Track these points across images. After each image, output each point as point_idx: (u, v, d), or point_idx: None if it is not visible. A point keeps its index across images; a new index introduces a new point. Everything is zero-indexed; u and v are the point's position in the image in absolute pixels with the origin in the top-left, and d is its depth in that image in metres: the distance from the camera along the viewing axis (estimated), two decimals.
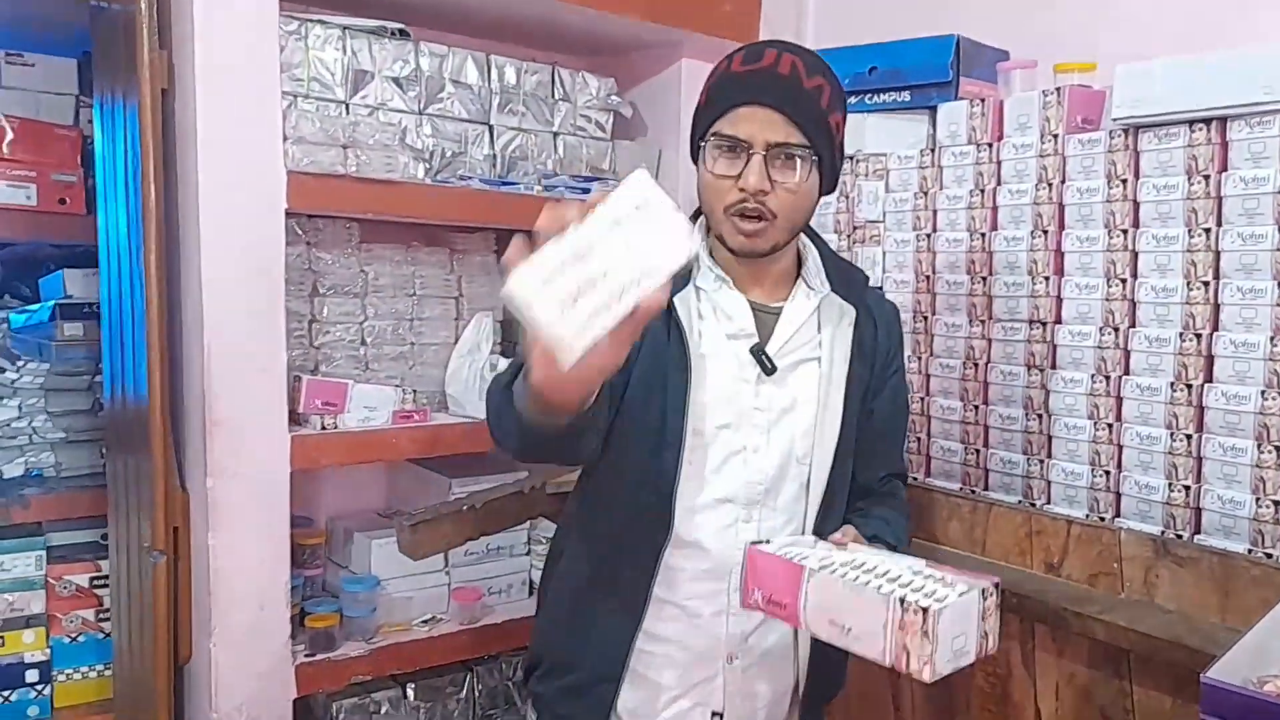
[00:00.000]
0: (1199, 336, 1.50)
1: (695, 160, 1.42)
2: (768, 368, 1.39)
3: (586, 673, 1.44)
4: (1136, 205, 1.57)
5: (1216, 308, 1.49)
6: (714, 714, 1.44)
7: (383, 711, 2.08)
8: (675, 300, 1.37)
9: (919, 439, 1.88)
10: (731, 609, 1.39)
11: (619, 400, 1.37)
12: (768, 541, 1.32)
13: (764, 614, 1.27)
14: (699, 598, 1.41)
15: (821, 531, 1.40)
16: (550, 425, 1.11)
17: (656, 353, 1.37)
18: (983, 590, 1.14)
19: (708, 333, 1.41)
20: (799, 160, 1.33)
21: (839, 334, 1.44)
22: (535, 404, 1.07)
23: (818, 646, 1.44)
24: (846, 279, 1.49)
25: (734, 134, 1.33)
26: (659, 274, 0.93)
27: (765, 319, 1.43)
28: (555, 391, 1.03)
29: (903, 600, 1.10)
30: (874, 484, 1.53)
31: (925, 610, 1.08)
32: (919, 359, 1.88)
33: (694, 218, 1.47)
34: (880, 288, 1.95)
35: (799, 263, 1.48)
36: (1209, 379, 1.49)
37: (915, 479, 1.88)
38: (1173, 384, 1.52)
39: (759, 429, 1.40)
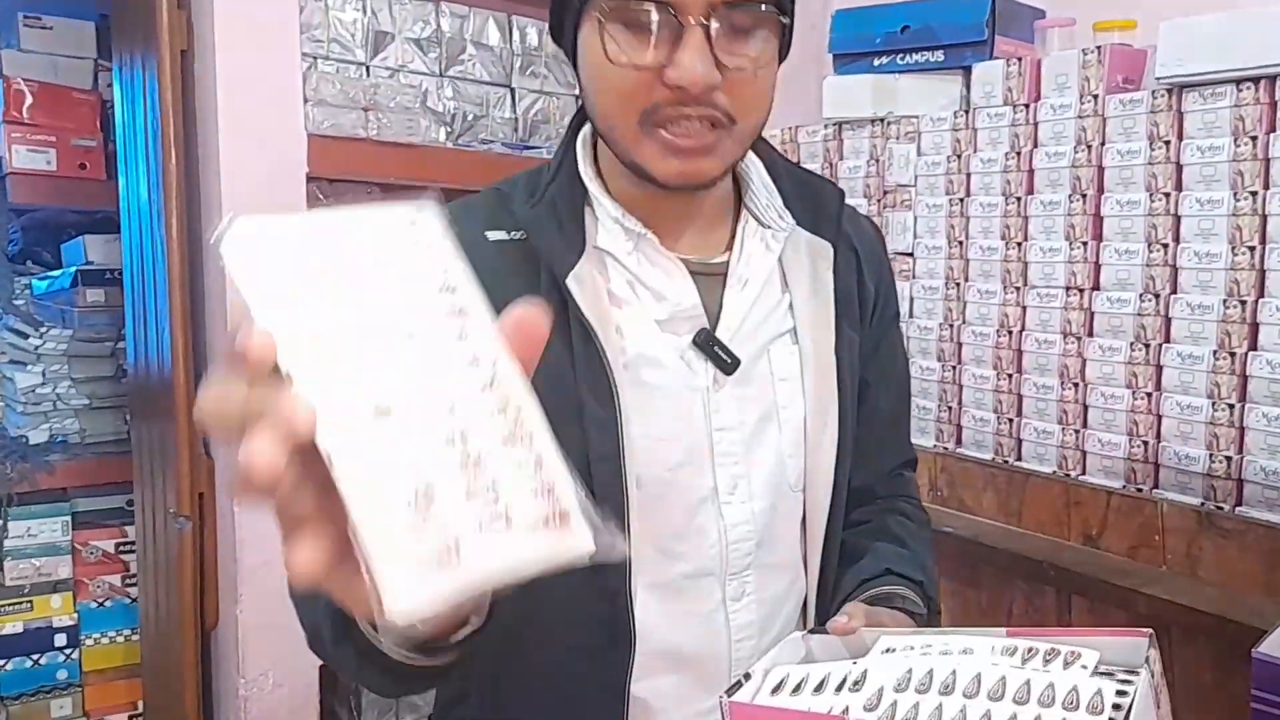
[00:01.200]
0: (1243, 303, 1.45)
1: (559, 38, 0.92)
2: (725, 363, 0.89)
3: None
4: (1179, 168, 1.53)
5: (1262, 273, 1.44)
6: None
7: None
8: (570, 282, 0.86)
9: (950, 408, 1.85)
10: None
11: None
12: (746, 678, 0.75)
13: None
14: None
15: (827, 582, 0.98)
16: (427, 669, 0.64)
17: (558, 372, 0.83)
18: (1147, 659, 0.71)
19: (630, 324, 0.88)
20: (757, 24, 0.82)
21: (817, 288, 0.95)
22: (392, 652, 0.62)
23: None
24: (814, 200, 0.98)
25: None
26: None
27: (706, 284, 0.91)
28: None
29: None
30: (876, 484, 1.05)
31: None
32: (951, 326, 1.85)
33: (574, 130, 0.98)
34: (910, 253, 1.91)
35: (737, 187, 0.97)
36: (1253, 347, 1.45)
37: (947, 448, 1.85)
38: (1215, 352, 1.48)
39: (730, 458, 0.91)
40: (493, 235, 0.90)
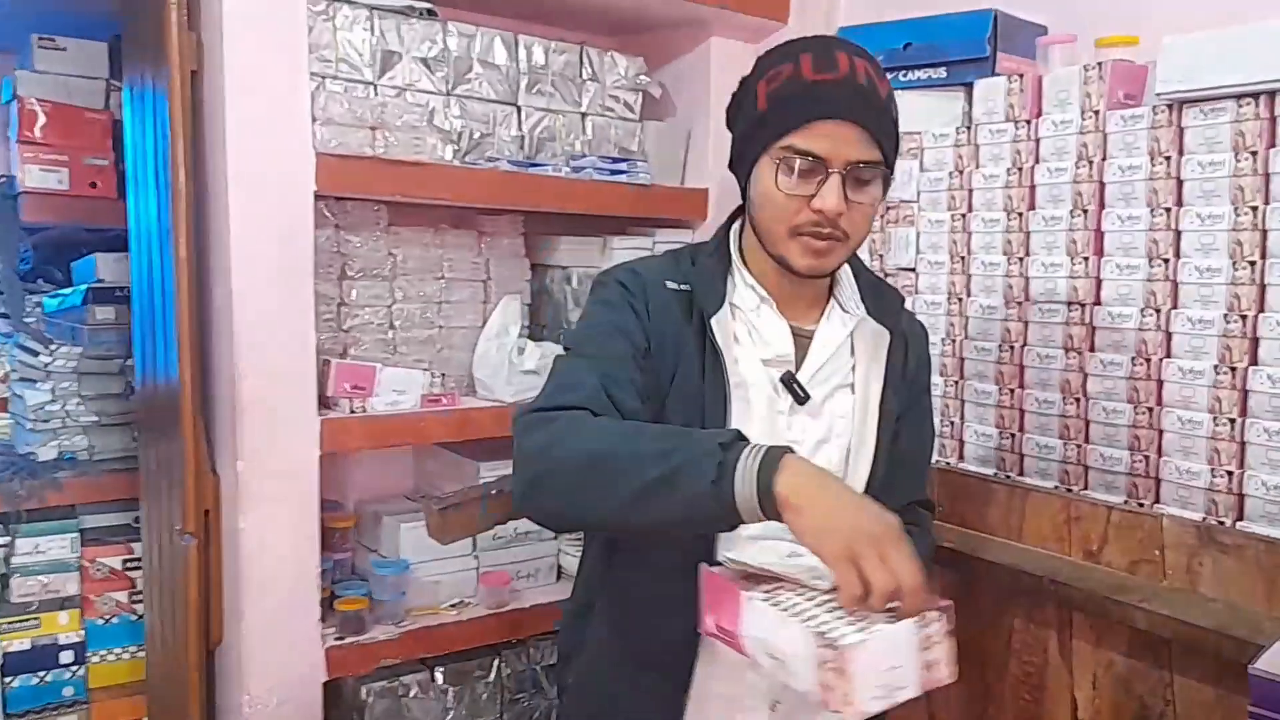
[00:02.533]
0: (1244, 318, 1.46)
1: (736, 168, 1.32)
2: (800, 396, 1.30)
3: None
4: (1180, 183, 1.53)
5: (1262, 288, 1.45)
6: None
7: (412, 694, 2.08)
8: (712, 321, 1.29)
9: (952, 423, 1.85)
10: None
11: (651, 421, 1.26)
12: (728, 563, 1.17)
13: (720, 642, 1.14)
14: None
15: None
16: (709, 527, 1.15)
17: (691, 377, 1.28)
18: (919, 620, 1.02)
19: (744, 357, 1.31)
20: (874, 178, 1.25)
21: (874, 360, 1.36)
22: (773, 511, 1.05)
23: None
24: (881, 300, 1.40)
25: (811, 150, 1.21)
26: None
27: (800, 342, 1.34)
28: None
29: (822, 634, 0.99)
30: (898, 512, 1.36)
31: (837, 647, 0.97)
32: (953, 342, 1.85)
33: (729, 223, 1.41)
34: (912, 268, 1.92)
35: (832, 281, 1.40)
36: (1254, 362, 1.45)
37: (949, 464, 1.85)
38: (1216, 367, 1.48)
39: None
40: (669, 284, 1.33)
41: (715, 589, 1.13)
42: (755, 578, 1.14)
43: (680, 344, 1.30)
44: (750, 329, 1.33)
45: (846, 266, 1.39)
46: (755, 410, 1.28)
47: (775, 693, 1.27)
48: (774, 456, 1.06)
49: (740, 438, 1.11)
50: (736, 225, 1.39)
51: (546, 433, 1.18)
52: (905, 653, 1.02)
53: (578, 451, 1.14)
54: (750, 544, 1.22)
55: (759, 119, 1.26)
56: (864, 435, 1.33)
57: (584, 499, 1.14)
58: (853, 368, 1.36)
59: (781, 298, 1.34)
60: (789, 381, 1.30)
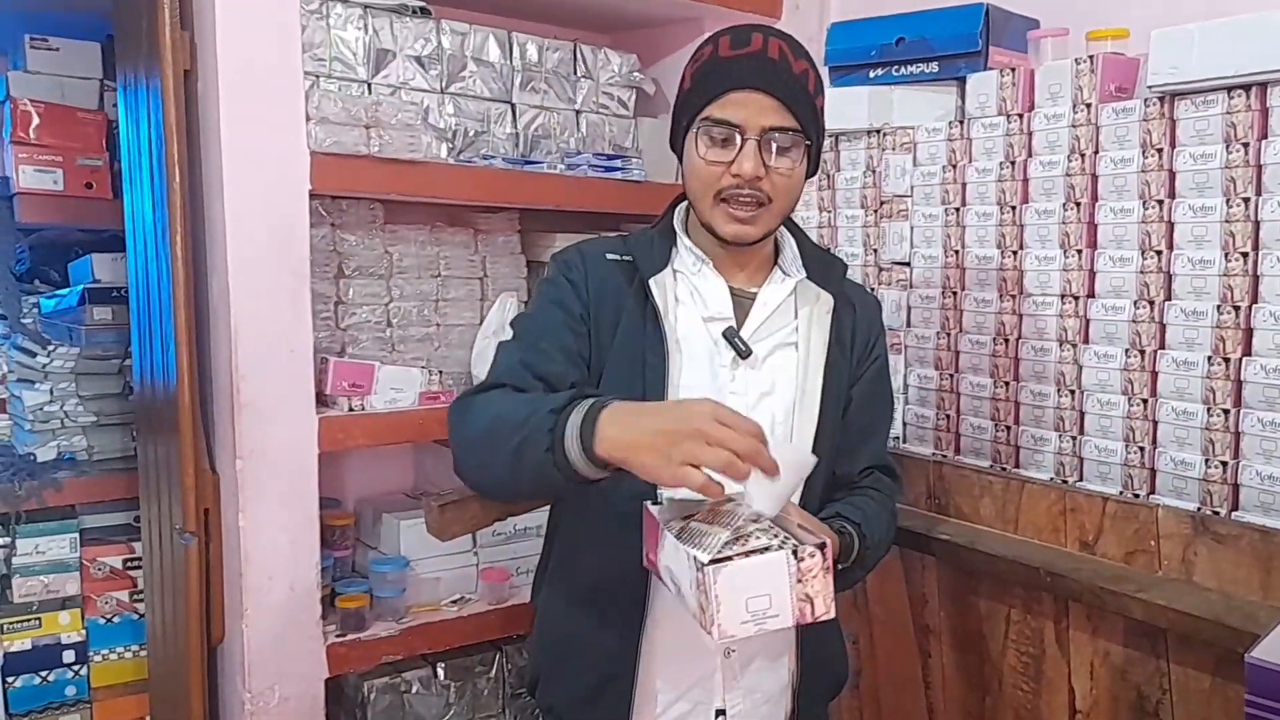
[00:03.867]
0: (1237, 309, 1.46)
1: (675, 147, 1.42)
2: (742, 350, 1.36)
3: (597, 674, 1.41)
4: (1173, 175, 1.54)
5: (1255, 279, 1.45)
6: (717, 712, 1.40)
7: (414, 691, 2.09)
8: (651, 282, 1.37)
9: (948, 416, 1.86)
10: None
11: (595, 382, 1.35)
12: (664, 499, 1.27)
13: (655, 574, 1.23)
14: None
15: None
16: (592, 478, 1.15)
17: (632, 334, 1.36)
18: (794, 550, 1.06)
19: (684, 316, 1.39)
20: (792, 145, 1.32)
21: (816, 320, 1.42)
22: (600, 456, 1.13)
23: (810, 638, 1.39)
24: (824, 268, 1.47)
25: (725, 118, 1.30)
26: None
27: (742, 303, 1.41)
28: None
29: (694, 556, 1.04)
30: (854, 476, 1.49)
31: (702, 567, 1.02)
32: (948, 335, 1.86)
33: (674, 205, 1.49)
34: (907, 262, 1.92)
35: (776, 251, 1.48)
36: (1247, 352, 1.46)
37: (945, 456, 1.86)
38: (1210, 358, 1.49)
39: None
40: (610, 256, 1.43)
41: (649, 524, 1.21)
42: (690, 510, 1.20)
43: (620, 307, 1.38)
44: (692, 290, 1.40)
45: (790, 237, 1.47)
46: (697, 364, 1.36)
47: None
48: (591, 417, 1.14)
49: (576, 399, 1.19)
50: (682, 205, 1.47)
51: (459, 414, 1.32)
52: (777, 582, 1.04)
53: (475, 429, 1.28)
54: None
55: (684, 97, 1.37)
56: (807, 390, 1.39)
57: (484, 470, 1.29)
58: (796, 328, 1.42)
59: (722, 263, 1.41)
60: (729, 336, 1.36)
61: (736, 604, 1.03)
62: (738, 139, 1.30)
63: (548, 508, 1.56)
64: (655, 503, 1.25)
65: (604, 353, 1.37)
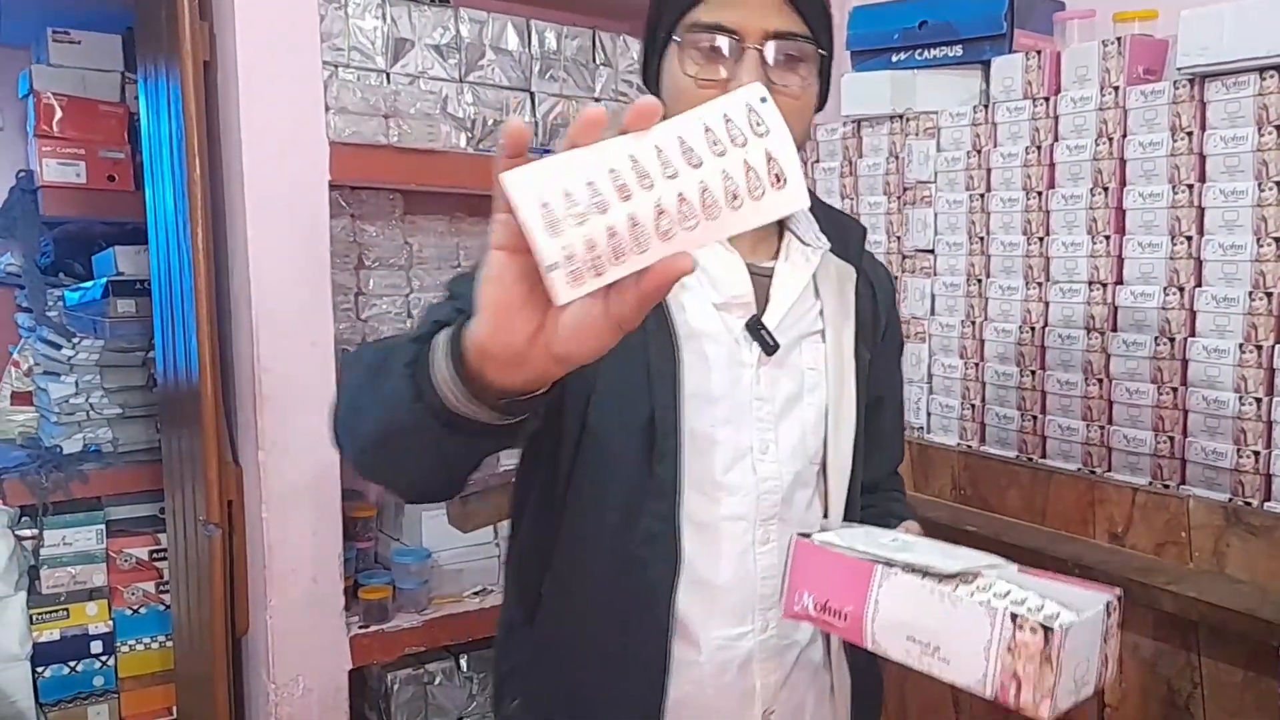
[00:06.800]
0: (1269, 295, 1.43)
1: (648, 65, 1.11)
2: (768, 345, 1.07)
3: None
4: (1203, 159, 1.51)
5: None
6: None
7: (436, 682, 2.10)
8: None
9: (973, 405, 1.84)
10: (758, 655, 1.09)
11: (583, 404, 1.03)
12: (818, 531, 1.00)
13: (813, 625, 0.99)
14: (722, 648, 1.08)
15: None
16: (468, 415, 0.73)
17: (631, 339, 0.94)
18: (1107, 605, 0.87)
19: (692, 304, 1.07)
20: (802, 55, 1.02)
21: (842, 302, 1.14)
22: (471, 369, 0.70)
23: (857, 685, 1.18)
24: (842, 232, 1.18)
25: (718, 22, 1.00)
26: (732, 226, 0.62)
27: (760, 282, 1.10)
28: (503, 358, 0.67)
29: (1014, 616, 0.83)
30: (880, 479, 1.27)
31: (1049, 631, 0.81)
32: (973, 323, 1.83)
33: None
34: (931, 249, 1.90)
35: None
36: None
37: (970, 446, 1.84)
38: (1241, 345, 1.46)
39: (764, 424, 1.08)
40: None
41: (821, 563, 0.95)
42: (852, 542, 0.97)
43: None
44: (699, 269, 0.99)
45: None
46: (714, 364, 1.07)
47: (768, 700, 1.11)
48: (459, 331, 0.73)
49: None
50: None
51: (349, 361, 1.00)
52: (1096, 643, 0.86)
53: (349, 380, 0.94)
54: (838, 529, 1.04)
55: (657, 4, 1.07)
56: (842, 390, 1.13)
57: (355, 418, 0.88)
58: (820, 312, 1.13)
59: None
60: (754, 328, 1.07)
61: (1069, 672, 0.83)
62: (733, 49, 1.00)
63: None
64: (805, 534, 0.98)
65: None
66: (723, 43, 1.00)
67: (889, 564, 0.90)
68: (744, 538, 1.07)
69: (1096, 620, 0.85)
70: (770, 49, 1.00)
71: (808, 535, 0.97)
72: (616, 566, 1.06)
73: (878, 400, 1.22)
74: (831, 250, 1.14)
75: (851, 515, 1.14)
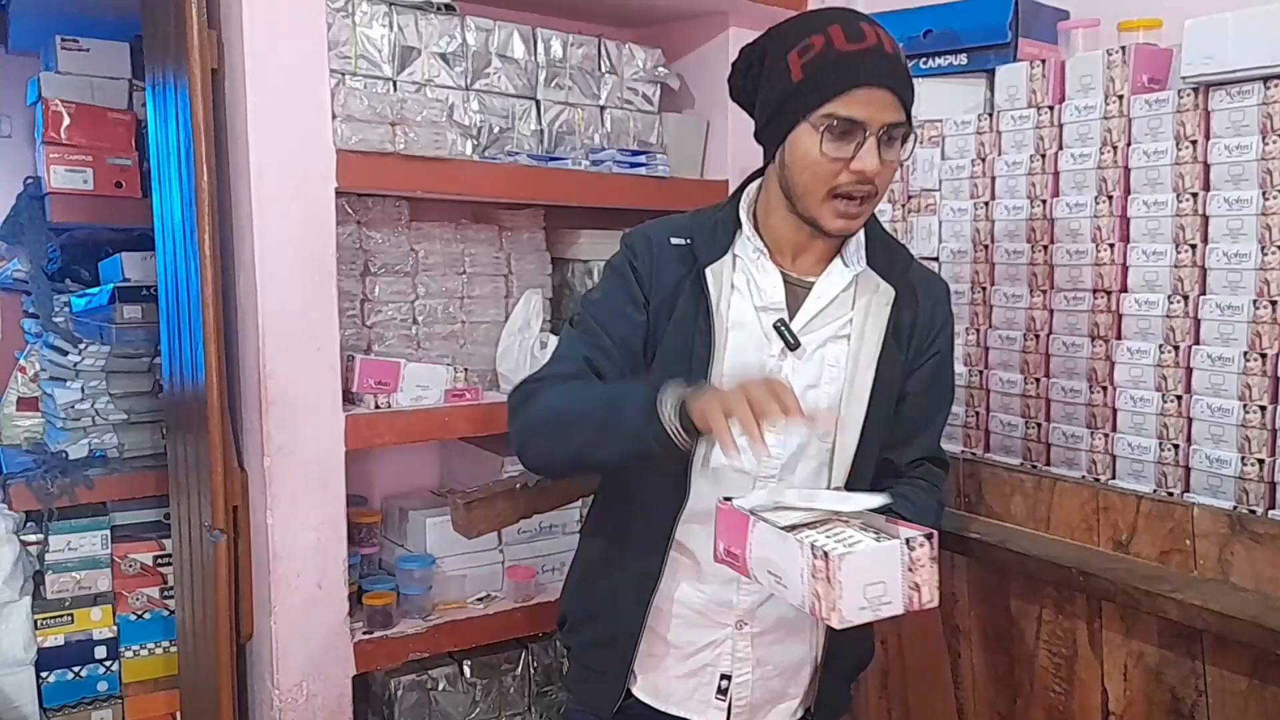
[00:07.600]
0: (1274, 303, 1.44)
1: (769, 138, 1.38)
2: (790, 343, 1.38)
3: (609, 627, 1.49)
4: (1207, 167, 1.51)
5: None
6: (722, 676, 1.46)
7: (440, 688, 2.10)
8: (707, 270, 1.40)
9: (977, 413, 1.84)
10: (743, 579, 1.37)
11: (648, 363, 1.40)
12: (743, 497, 1.31)
13: (728, 566, 1.27)
14: (711, 565, 1.37)
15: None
16: (665, 455, 1.24)
17: (684, 322, 1.40)
18: (907, 540, 1.13)
19: (737, 304, 1.41)
20: (902, 137, 1.33)
21: (873, 312, 1.41)
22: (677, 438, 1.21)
23: None
24: (888, 256, 1.45)
25: (850, 116, 1.28)
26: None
27: (796, 292, 1.41)
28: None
29: (814, 545, 1.11)
30: (902, 465, 1.49)
31: (828, 555, 1.09)
32: (977, 331, 1.84)
33: (742, 188, 1.47)
34: (935, 257, 1.90)
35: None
36: None
37: (975, 454, 1.84)
38: (1246, 353, 1.46)
39: None
40: (674, 240, 1.44)
41: (727, 518, 1.24)
42: (764, 508, 1.27)
43: (678, 293, 1.42)
44: (749, 278, 1.41)
45: None
46: (737, 352, 1.39)
47: (744, 614, 1.44)
48: (681, 394, 1.23)
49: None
50: (752, 187, 1.46)
51: (522, 399, 1.40)
52: (890, 570, 1.12)
53: (544, 412, 1.37)
54: (750, 490, 1.37)
55: (794, 89, 1.32)
56: (856, 385, 1.40)
57: (550, 450, 1.38)
58: (850, 321, 1.42)
59: (785, 250, 1.42)
60: (779, 327, 1.38)
61: (856, 592, 1.09)
62: (859, 135, 1.29)
63: (575, 506, 1.60)
64: (726, 499, 1.27)
65: (659, 335, 1.41)
66: (850, 130, 1.29)
67: (758, 516, 1.19)
68: (744, 488, 1.37)
69: (887, 551, 1.12)
70: (884, 135, 1.30)
71: (729, 500, 1.25)
72: (640, 496, 1.44)
73: (905, 395, 1.46)
74: (873, 267, 1.42)
75: (858, 486, 1.39)
